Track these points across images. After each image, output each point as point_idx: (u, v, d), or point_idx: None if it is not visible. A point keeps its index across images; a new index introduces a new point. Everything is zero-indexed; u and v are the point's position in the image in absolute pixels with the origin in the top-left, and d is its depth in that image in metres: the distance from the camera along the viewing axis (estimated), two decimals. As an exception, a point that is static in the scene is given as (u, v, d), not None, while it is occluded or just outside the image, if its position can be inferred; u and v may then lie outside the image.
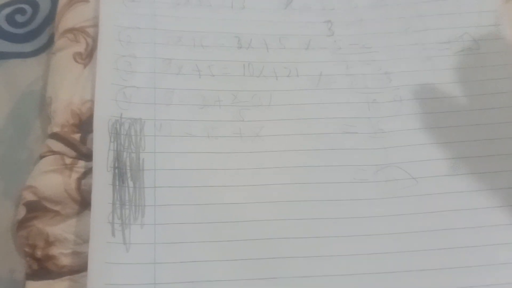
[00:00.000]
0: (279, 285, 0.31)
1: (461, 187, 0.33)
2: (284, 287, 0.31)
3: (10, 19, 0.39)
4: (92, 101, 0.34)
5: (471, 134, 0.35)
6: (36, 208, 0.32)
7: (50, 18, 0.39)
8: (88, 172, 0.33)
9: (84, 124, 0.34)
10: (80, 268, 0.31)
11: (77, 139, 0.34)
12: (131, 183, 0.32)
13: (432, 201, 0.33)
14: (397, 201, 0.33)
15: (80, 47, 0.36)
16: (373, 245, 0.32)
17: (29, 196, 0.32)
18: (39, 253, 0.31)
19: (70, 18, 0.37)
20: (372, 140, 0.35)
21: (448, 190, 0.33)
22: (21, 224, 0.32)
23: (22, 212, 0.32)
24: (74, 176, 0.33)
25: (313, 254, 0.31)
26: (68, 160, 0.33)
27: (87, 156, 0.33)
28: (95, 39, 0.37)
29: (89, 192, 0.32)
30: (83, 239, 0.32)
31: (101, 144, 0.33)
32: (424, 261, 0.31)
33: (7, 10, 0.40)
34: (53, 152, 0.33)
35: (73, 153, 0.34)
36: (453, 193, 0.33)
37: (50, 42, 0.38)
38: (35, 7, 0.40)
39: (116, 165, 0.32)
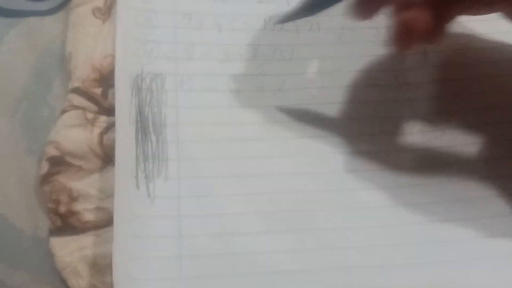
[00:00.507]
0: (306, 237, 0.30)
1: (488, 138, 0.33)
2: (311, 238, 0.30)
3: (25, -22, 0.39)
4: (112, 56, 0.34)
5: (497, 84, 0.34)
6: (59, 163, 0.32)
7: (66, -24, 0.38)
8: (110, 127, 0.33)
9: (105, 79, 0.34)
10: (104, 223, 0.31)
11: (99, 93, 0.34)
12: (153, 138, 0.32)
13: (457, 152, 0.32)
14: (423, 152, 0.32)
15: (99, 2, 0.36)
16: (403, 196, 0.32)
17: (52, 152, 0.32)
18: (62, 209, 0.31)
19: (87, -26, 0.37)
20: (397, 93, 0.34)
21: (474, 141, 0.33)
22: (45, 179, 0.32)
23: (45, 167, 0.32)
24: (96, 131, 0.33)
25: (340, 206, 0.31)
26: (89, 115, 0.33)
27: (109, 111, 0.33)
28: (113, -6, 0.36)
29: (111, 147, 0.32)
30: (107, 194, 0.32)
31: (123, 99, 0.32)
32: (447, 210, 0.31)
33: (22, -31, 0.39)
34: (75, 107, 0.33)
35: (94, 108, 0.33)
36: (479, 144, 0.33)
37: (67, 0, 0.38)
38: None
39: (139, 119, 0.32)
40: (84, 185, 0.32)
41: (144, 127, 0.32)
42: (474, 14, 0.30)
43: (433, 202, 0.31)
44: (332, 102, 0.34)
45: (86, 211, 0.31)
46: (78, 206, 0.31)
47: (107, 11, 0.36)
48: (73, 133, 0.32)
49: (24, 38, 0.37)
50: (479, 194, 0.32)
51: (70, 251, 0.31)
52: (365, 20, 0.31)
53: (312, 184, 0.32)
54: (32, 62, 0.36)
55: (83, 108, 0.33)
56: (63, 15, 0.37)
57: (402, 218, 0.31)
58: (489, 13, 0.29)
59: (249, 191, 0.31)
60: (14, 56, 0.36)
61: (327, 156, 0.32)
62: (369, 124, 0.33)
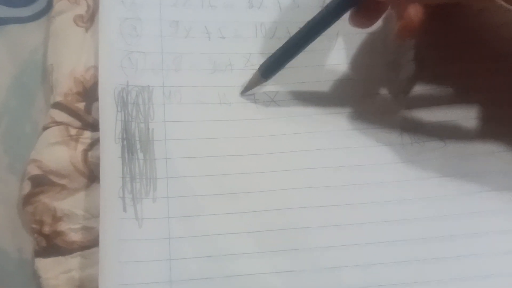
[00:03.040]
0: (298, 256, 0.29)
1: (491, 149, 0.32)
2: (304, 259, 0.29)
3: (5, -18, 0.37)
4: (96, 67, 0.33)
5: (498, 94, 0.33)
6: (42, 183, 0.31)
7: (48, -20, 0.37)
8: (94, 143, 0.31)
9: (89, 93, 0.32)
10: (90, 243, 0.30)
11: (82, 108, 0.32)
12: (141, 155, 0.31)
13: (460, 163, 0.31)
14: (425, 164, 0.31)
15: (81, 10, 0.34)
16: (399, 211, 0.30)
17: (33, 170, 0.31)
18: (47, 229, 0.30)
19: (68, -21, 0.35)
20: (394, 102, 0.33)
21: (477, 152, 0.32)
22: (27, 199, 0.31)
23: (27, 187, 0.31)
24: (80, 147, 0.31)
25: (334, 223, 0.30)
26: (73, 131, 0.32)
27: (93, 126, 0.32)
28: (96, 1, 0.34)
29: (96, 164, 0.31)
30: (92, 213, 0.30)
31: (107, 114, 0.31)
32: (454, 226, 0.30)
33: (2, -27, 0.37)
34: (57, 123, 0.32)
35: (78, 123, 0.32)
36: (482, 154, 0.32)
37: (49, 6, 0.36)
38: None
39: (125, 136, 0.31)
40: (69, 204, 0.31)
41: (130, 144, 0.31)
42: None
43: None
44: (328, 113, 0.33)
45: (72, 231, 0.30)
46: (63, 226, 0.30)
47: (90, 19, 0.34)
48: (55, 151, 0.31)
49: (4, 48, 0.35)
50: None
51: (56, 273, 0.30)
52: (365, 28, 0.31)
53: (305, 201, 0.31)
54: (14, 73, 0.35)
55: (66, 124, 0.32)
56: (46, 22, 0.36)
57: (400, 234, 0.30)
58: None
59: (240, 210, 0.30)
60: (-6, 68, 0.35)
61: (319, 170, 0.31)
62: (367, 134, 0.32)
